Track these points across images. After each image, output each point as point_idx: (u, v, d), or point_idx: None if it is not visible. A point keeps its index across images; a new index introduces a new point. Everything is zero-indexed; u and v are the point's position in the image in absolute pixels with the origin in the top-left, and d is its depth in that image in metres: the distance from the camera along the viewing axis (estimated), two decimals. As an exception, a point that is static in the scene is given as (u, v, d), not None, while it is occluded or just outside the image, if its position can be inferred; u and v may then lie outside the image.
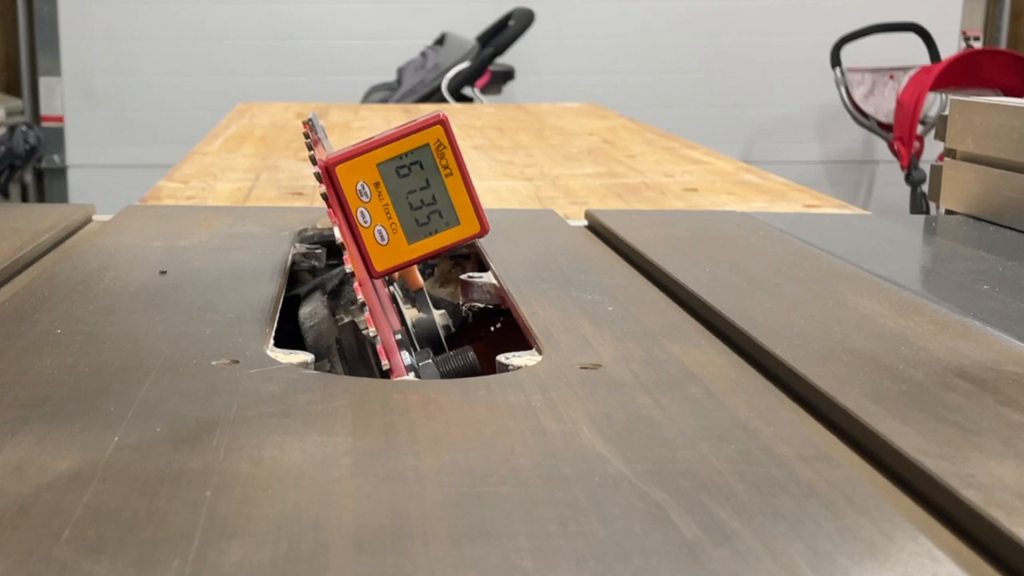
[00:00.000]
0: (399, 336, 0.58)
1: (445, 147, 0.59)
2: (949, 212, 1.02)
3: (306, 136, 0.63)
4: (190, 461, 0.41)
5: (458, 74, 3.41)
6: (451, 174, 0.60)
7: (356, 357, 0.67)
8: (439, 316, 0.68)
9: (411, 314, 0.67)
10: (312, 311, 0.80)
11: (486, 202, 0.62)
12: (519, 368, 0.55)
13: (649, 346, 0.58)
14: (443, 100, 3.35)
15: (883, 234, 0.96)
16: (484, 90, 3.55)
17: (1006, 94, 3.25)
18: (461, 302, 0.76)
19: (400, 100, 3.38)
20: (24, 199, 3.80)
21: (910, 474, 0.41)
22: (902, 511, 0.39)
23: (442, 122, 0.59)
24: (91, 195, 3.63)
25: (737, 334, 0.59)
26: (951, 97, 1.08)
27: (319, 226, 0.91)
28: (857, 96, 3.60)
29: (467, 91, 3.47)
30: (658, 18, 3.99)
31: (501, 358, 0.56)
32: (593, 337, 0.59)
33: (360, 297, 0.55)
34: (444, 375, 0.59)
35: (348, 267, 0.57)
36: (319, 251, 0.85)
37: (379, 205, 0.59)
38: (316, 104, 2.47)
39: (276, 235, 0.86)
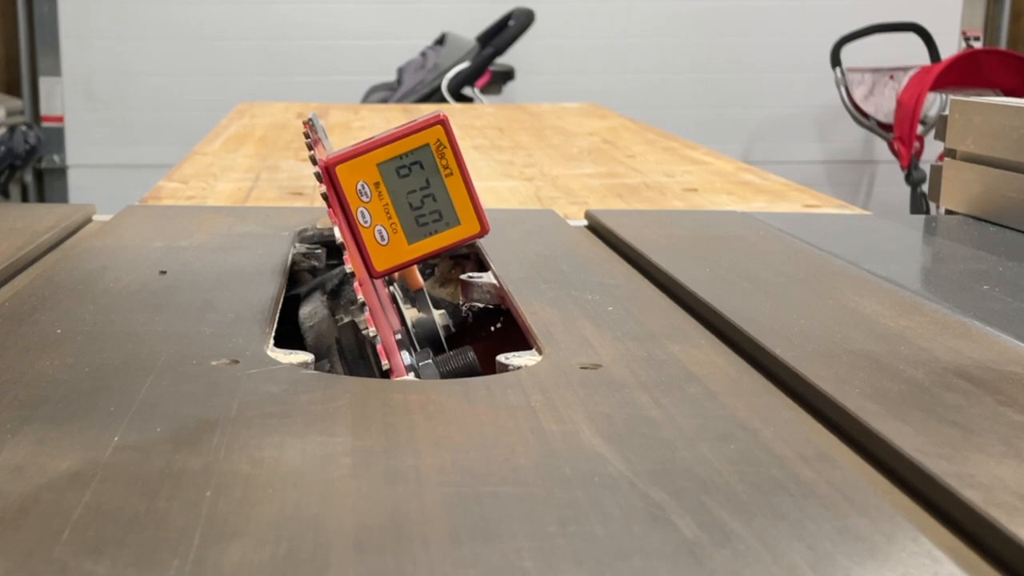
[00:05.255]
0: (399, 336, 0.58)
1: (445, 147, 0.59)
2: (949, 212, 1.02)
3: (306, 136, 0.63)
4: (190, 461, 0.41)
5: (458, 74, 3.41)
6: (451, 174, 0.60)
7: (356, 357, 0.67)
8: (439, 316, 0.68)
9: (411, 314, 0.67)
10: (312, 311, 0.80)
11: (486, 202, 0.62)
12: (519, 368, 0.55)
13: (649, 346, 0.58)
14: (443, 100, 3.35)
15: (883, 234, 0.96)
16: (484, 90, 3.55)
17: (1006, 94, 3.25)
18: (461, 302, 0.76)
19: (400, 100, 3.38)
20: (24, 199, 3.80)
21: (910, 474, 0.41)
22: (902, 511, 0.39)
23: (442, 122, 0.59)
24: (91, 195, 3.63)
25: (737, 334, 0.59)
26: (951, 97, 1.08)
27: (319, 226, 0.91)
28: (857, 96, 3.60)
29: (467, 91, 3.47)
30: (658, 18, 3.99)
31: (501, 358, 0.56)
32: (593, 337, 0.59)
33: (360, 297, 0.55)
34: (444, 375, 0.59)
35: (348, 267, 0.57)
36: (319, 251, 0.85)
37: (379, 205, 0.59)
38: (316, 104, 2.47)
39: (276, 235, 0.86)
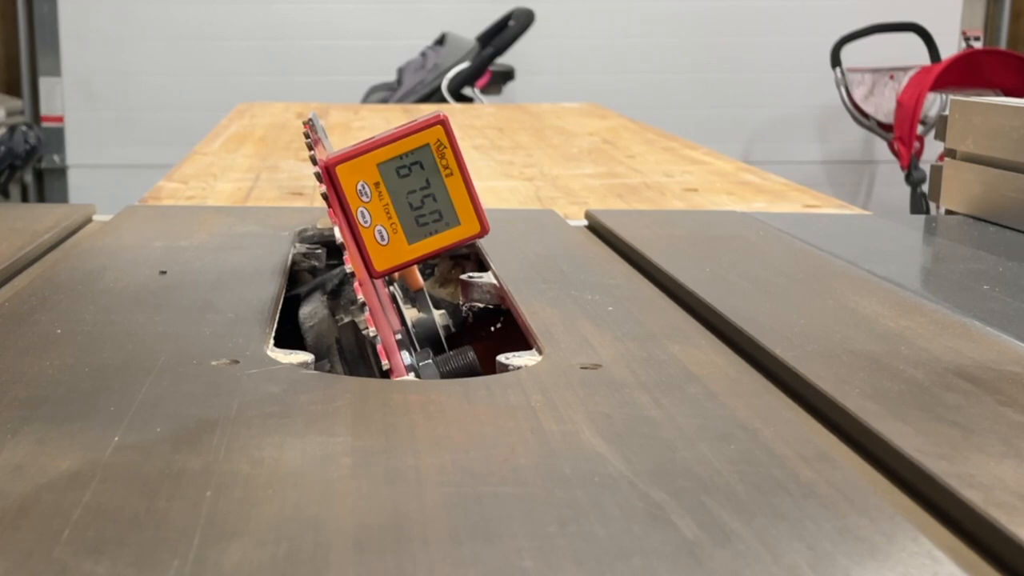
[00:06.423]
0: (399, 336, 0.58)
1: (445, 147, 0.59)
2: (949, 212, 1.02)
3: (306, 136, 0.63)
4: (190, 461, 0.41)
5: (458, 74, 3.41)
6: (451, 174, 0.60)
7: (356, 357, 0.67)
8: (439, 316, 0.68)
9: (411, 314, 0.67)
10: (312, 311, 0.80)
11: (486, 202, 0.62)
12: (519, 368, 0.55)
13: (649, 346, 0.58)
14: (443, 100, 3.35)
15: (883, 234, 0.96)
16: (484, 90, 3.55)
17: (1006, 94, 3.25)
18: (461, 302, 0.76)
19: (400, 100, 3.38)
20: (24, 199, 3.80)
21: (910, 474, 0.41)
22: (902, 511, 0.39)
23: (442, 122, 0.59)
24: (91, 195, 3.63)
25: (737, 334, 0.59)
26: (951, 97, 1.08)
27: (319, 226, 0.91)
28: (857, 96, 3.60)
29: (467, 91, 3.47)
30: (658, 18, 3.99)
31: (501, 358, 0.56)
32: (593, 337, 0.59)
33: (360, 297, 0.55)
34: (444, 375, 0.59)
35: (348, 267, 0.57)
36: (319, 251, 0.85)
37: (379, 205, 0.59)
38: (316, 104, 2.47)
39: (276, 235, 0.86)
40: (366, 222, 0.59)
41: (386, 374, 0.56)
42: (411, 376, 0.57)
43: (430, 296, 0.69)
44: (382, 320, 0.57)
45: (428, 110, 0.63)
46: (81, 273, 0.73)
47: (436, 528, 0.36)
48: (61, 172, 3.92)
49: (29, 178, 3.83)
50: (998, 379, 0.52)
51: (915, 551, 0.36)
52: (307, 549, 0.34)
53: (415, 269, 0.66)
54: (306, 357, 0.55)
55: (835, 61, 3.60)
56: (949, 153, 1.02)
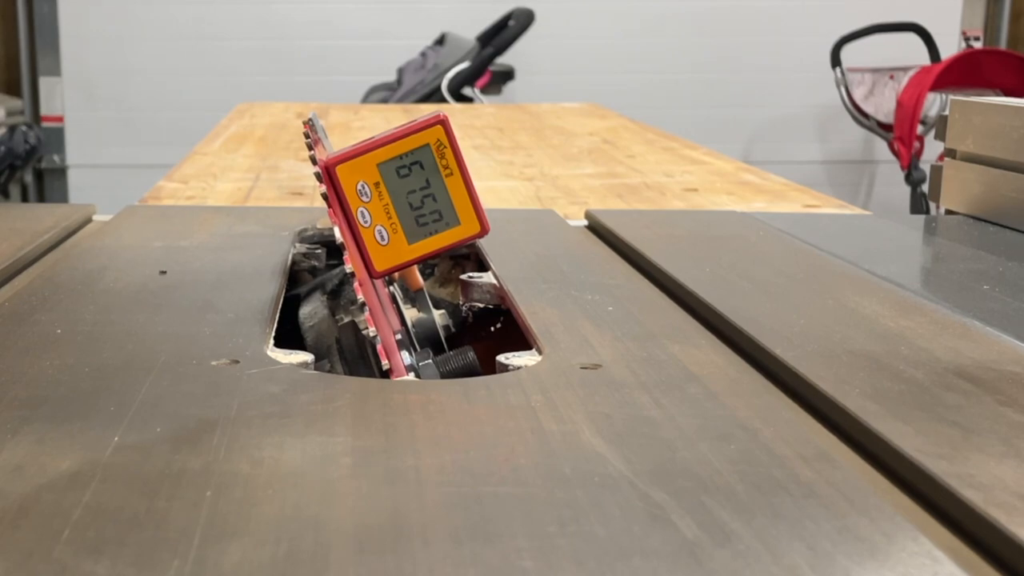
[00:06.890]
0: (399, 336, 0.58)
1: (445, 147, 0.59)
2: (949, 212, 1.02)
3: (306, 136, 0.63)
4: (190, 461, 0.41)
5: (458, 74, 3.41)
6: (451, 174, 0.60)
7: (356, 357, 0.67)
8: (439, 316, 0.68)
9: (411, 314, 0.67)
10: (312, 311, 0.80)
11: (486, 202, 0.62)
12: (519, 368, 0.55)
13: (649, 346, 0.58)
14: (443, 100, 3.35)
15: (883, 234, 0.96)
16: (484, 90, 3.55)
17: (1006, 94, 3.25)
18: (461, 302, 0.76)
19: (400, 100, 3.38)
20: (24, 199, 3.80)
21: (910, 474, 0.41)
22: (902, 511, 0.39)
23: (442, 122, 0.59)
24: (91, 195, 3.63)
25: (737, 334, 0.59)
26: (951, 97, 1.08)
27: (319, 226, 0.91)
28: (857, 96, 3.60)
29: (467, 91, 3.47)
30: (658, 18, 3.99)
31: (501, 358, 0.56)
32: (593, 337, 0.59)
33: (360, 297, 0.55)
34: (444, 375, 0.59)
35: (348, 267, 0.57)
36: (319, 251, 0.85)
37: (379, 205, 0.59)
38: (316, 104, 2.47)
39: (276, 235, 0.86)
40: (366, 222, 0.59)
41: (386, 374, 0.56)
42: (411, 376, 0.57)
43: (430, 296, 0.69)
44: (382, 320, 0.57)
45: (428, 110, 0.63)
46: (81, 273, 0.73)
47: (436, 528, 0.36)
48: (61, 172, 3.92)
49: (29, 178, 3.83)
50: (998, 379, 0.52)
51: (915, 551, 0.36)
52: (307, 549, 0.34)
53: (415, 269, 0.66)
54: (306, 357, 0.55)
55: (835, 61, 3.60)
56: (949, 153, 1.02)
